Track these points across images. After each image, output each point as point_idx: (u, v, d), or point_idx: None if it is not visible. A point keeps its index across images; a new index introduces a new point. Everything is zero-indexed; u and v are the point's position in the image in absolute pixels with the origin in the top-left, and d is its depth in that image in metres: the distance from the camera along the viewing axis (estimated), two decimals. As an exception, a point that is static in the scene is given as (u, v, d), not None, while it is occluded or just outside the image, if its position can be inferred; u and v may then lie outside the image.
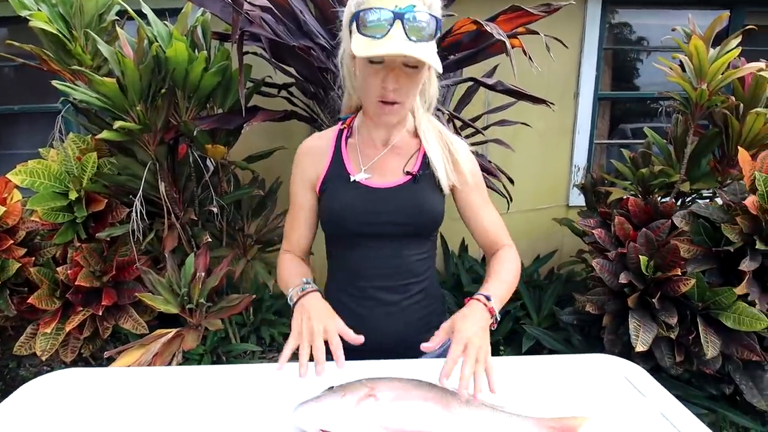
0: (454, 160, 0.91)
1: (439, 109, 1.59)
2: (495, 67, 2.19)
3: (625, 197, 1.98)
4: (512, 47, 1.50)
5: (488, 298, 0.79)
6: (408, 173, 0.89)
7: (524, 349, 2.09)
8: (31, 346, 1.84)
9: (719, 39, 1.89)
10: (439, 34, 0.79)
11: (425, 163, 0.90)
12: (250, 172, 2.17)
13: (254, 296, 1.98)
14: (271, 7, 1.56)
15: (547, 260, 2.66)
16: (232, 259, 2.00)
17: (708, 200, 2.00)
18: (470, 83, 2.00)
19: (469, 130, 1.98)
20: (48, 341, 1.83)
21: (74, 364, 1.90)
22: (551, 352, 2.06)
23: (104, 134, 1.58)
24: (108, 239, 1.91)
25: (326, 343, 0.77)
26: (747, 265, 1.58)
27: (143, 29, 1.55)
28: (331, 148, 0.93)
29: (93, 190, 1.84)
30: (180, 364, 1.69)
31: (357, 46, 0.75)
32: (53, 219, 1.77)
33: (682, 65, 1.91)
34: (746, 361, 1.66)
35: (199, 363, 2.02)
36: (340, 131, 0.94)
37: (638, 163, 2.15)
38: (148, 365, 1.62)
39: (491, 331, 0.78)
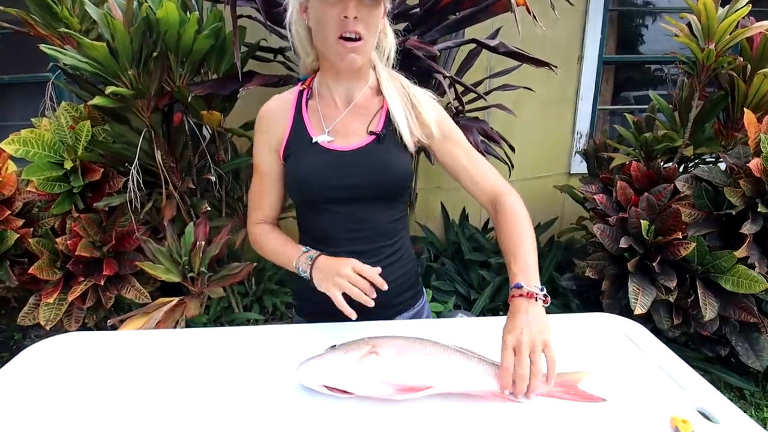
0: (417, 113, 0.87)
1: (439, 72, 1.54)
2: (497, 30, 2.13)
3: (627, 162, 1.96)
4: (517, 5, 1.45)
5: (519, 287, 0.71)
6: (372, 133, 0.86)
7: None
8: (35, 317, 1.86)
9: (728, -2, 1.83)
10: None
11: (389, 120, 0.86)
12: (247, 140, 2.13)
13: (255, 264, 1.98)
14: (265, -36, 1.50)
15: (547, 228, 2.66)
16: (232, 229, 2.00)
17: (711, 165, 1.99)
18: (472, 46, 1.95)
19: (471, 96, 1.94)
20: (51, 311, 1.84)
21: (79, 333, 1.92)
22: (550, 317, 2.09)
23: (96, 100, 1.54)
24: (106, 209, 1.89)
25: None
26: (748, 228, 1.58)
27: (132, -11, 1.49)
28: (292, 110, 0.88)
29: (88, 159, 1.81)
30: (183, 332, 1.70)
31: None
32: (49, 189, 1.76)
33: (690, 25, 1.86)
34: (743, 323, 1.69)
35: (203, 331, 2.04)
36: (300, 92, 0.90)
37: (642, 128, 2.12)
38: (152, 333, 1.64)
39: (545, 308, 0.71)
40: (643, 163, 1.94)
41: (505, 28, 2.17)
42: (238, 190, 2.16)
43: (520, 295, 0.70)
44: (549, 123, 2.75)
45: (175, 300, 1.74)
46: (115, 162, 1.90)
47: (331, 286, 0.76)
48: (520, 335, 0.65)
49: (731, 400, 0.98)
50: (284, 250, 0.89)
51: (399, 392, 0.64)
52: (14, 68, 2.77)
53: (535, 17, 1.52)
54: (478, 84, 2.09)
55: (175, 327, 1.73)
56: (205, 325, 2.09)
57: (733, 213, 1.63)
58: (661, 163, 1.96)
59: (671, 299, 1.67)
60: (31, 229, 1.89)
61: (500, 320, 0.93)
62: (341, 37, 0.77)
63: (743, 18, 1.76)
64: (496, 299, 2.31)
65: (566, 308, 2.10)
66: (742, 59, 1.87)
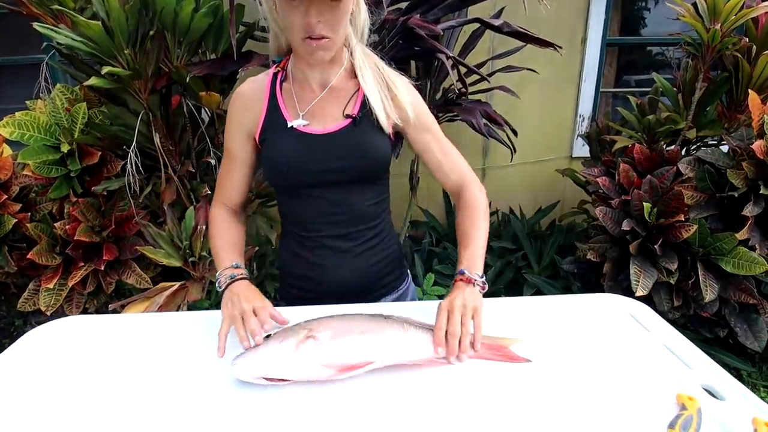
0: (392, 95, 0.86)
1: (442, 52, 1.52)
2: (501, 10, 2.09)
3: (630, 145, 1.94)
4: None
5: (462, 273, 0.78)
6: (348, 116, 0.84)
7: (524, 298, 2.13)
8: (35, 302, 1.85)
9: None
10: None
11: (365, 103, 0.85)
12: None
13: (257, 249, 1.97)
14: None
15: (548, 212, 2.65)
16: (232, 213, 1.98)
17: (713, 147, 1.98)
18: (475, 26, 1.91)
19: (474, 77, 1.91)
20: (52, 297, 1.83)
21: (80, 318, 1.92)
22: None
23: (92, 80, 1.50)
24: (104, 193, 1.87)
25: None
26: (750, 210, 1.58)
27: (126, -35, 1.45)
28: (266, 93, 0.87)
29: (85, 142, 1.78)
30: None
31: None
32: (46, 173, 1.73)
33: (695, 5, 1.83)
34: (742, 304, 1.70)
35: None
36: (275, 75, 0.88)
37: (645, 110, 2.11)
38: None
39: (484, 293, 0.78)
40: (645, 146, 1.93)
41: (508, 8, 2.13)
42: (238, 174, 2.14)
43: (461, 280, 0.77)
44: (551, 106, 2.72)
45: (177, 284, 1.74)
46: (113, 145, 1.87)
47: (227, 316, 0.76)
48: (454, 300, 0.73)
49: (733, 379, 0.99)
50: (219, 253, 0.89)
51: (340, 372, 0.64)
52: (7, 49, 2.70)
53: (539, -4, 1.49)
54: (480, 66, 2.06)
55: (177, 311, 1.73)
56: (207, 309, 2.09)
57: (736, 195, 1.63)
58: (664, 146, 1.95)
59: (672, 281, 1.67)
60: (29, 213, 1.87)
61: (507, 300, 0.93)
62: (307, 37, 0.75)
63: (749, -2, 1.74)
64: (497, 282, 2.31)
65: (567, 291, 2.11)
66: (747, 40, 1.85)
